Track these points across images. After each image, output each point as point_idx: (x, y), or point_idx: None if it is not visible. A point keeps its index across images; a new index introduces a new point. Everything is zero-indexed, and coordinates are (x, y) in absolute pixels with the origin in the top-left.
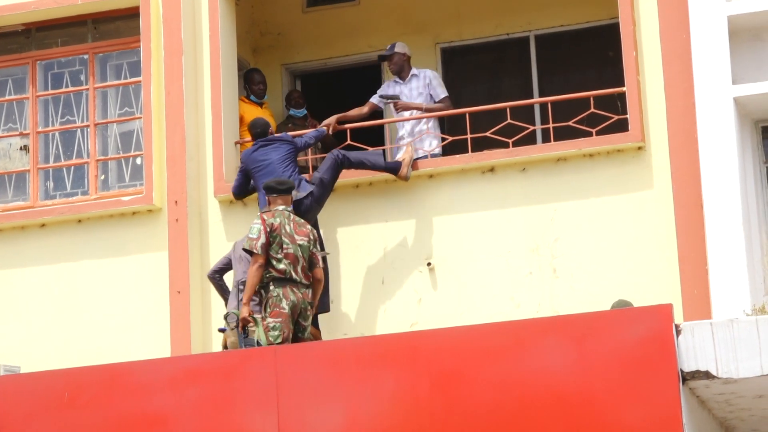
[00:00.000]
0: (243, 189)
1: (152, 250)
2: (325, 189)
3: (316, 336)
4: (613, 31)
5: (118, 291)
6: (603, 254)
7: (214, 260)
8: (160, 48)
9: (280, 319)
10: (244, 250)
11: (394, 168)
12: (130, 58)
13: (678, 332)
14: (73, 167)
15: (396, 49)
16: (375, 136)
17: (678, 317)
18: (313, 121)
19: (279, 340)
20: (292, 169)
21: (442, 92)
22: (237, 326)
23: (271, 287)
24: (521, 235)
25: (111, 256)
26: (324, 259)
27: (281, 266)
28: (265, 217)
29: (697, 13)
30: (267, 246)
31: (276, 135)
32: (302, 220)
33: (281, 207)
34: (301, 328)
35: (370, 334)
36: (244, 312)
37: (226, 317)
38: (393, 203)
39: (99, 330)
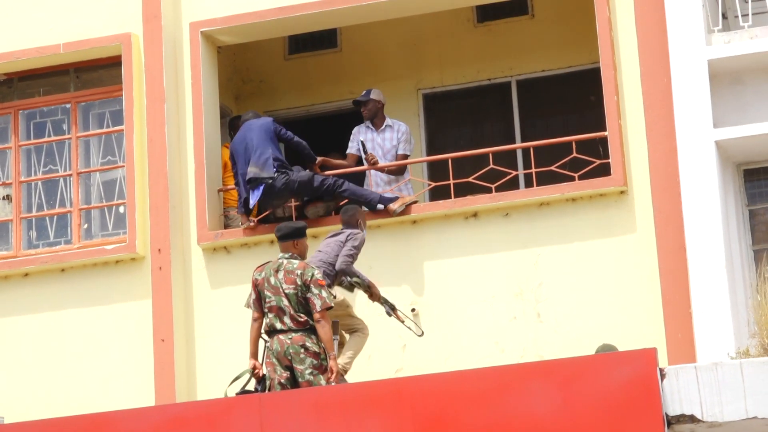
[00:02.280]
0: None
1: (136, 298)
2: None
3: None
4: (595, 76)
5: (102, 339)
6: (587, 298)
7: (198, 308)
8: (142, 96)
9: (269, 368)
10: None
11: (388, 200)
12: (113, 107)
13: (662, 376)
14: (56, 216)
15: (371, 96)
16: (355, 180)
17: (662, 361)
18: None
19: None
20: (271, 149)
21: (405, 149)
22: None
23: (268, 340)
24: (505, 279)
25: (94, 304)
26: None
27: (267, 320)
28: (254, 273)
29: (678, 57)
30: (258, 301)
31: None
32: (293, 267)
33: (279, 256)
34: (298, 372)
35: (355, 381)
36: (249, 364)
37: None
38: (377, 249)
39: (83, 379)
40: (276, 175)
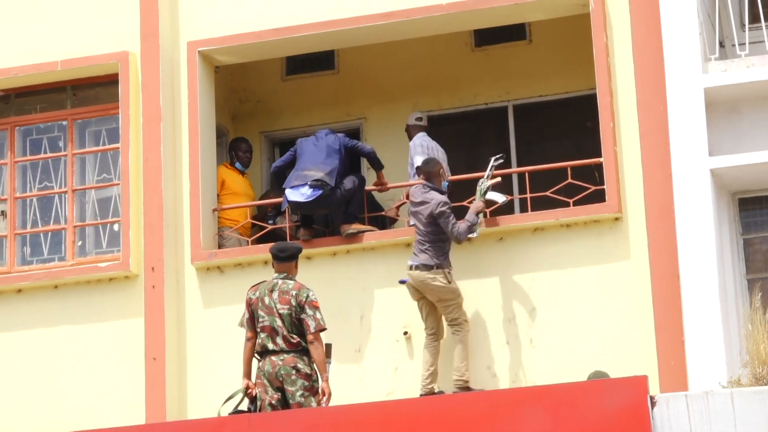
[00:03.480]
0: (282, 170)
1: (128, 316)
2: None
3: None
4: (591, 102)
5: (94, 357)
6: (580, 325)
7: (191, 327)
8: (138, 114)
9: (260, 389)
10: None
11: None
12: (109, 125)
13: (653, 404)
14: (50, 233)
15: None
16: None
17: (654, 388)
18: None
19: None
20: (332, 161)
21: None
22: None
23: (259, 360)
24: (498, 304)
25: (87, 322)
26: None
27: (260, 340)
28: (248, 292)
29: (674, 85)
30: (252, 320)
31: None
32: (288, 287)
33: (274, 276)
34: (289, 394)
35: (346, 403)
36: (242, 384)
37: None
38: (370, 271)
39: (74, 396)
40: (334, 187)
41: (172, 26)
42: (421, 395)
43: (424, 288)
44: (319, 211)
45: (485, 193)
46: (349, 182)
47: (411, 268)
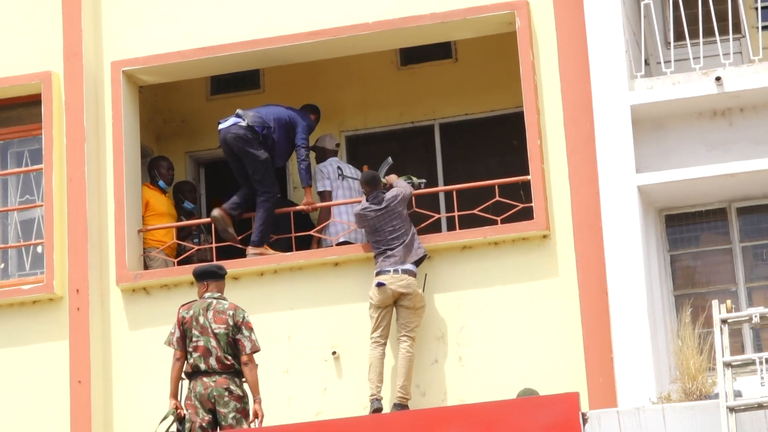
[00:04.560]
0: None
1: (53, 339)
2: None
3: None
4: (518, 120)
5: (18, 380)
6: (508, 342)
7: (116, 349)
8: (62, 135)
9: (191, 411)
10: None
11: (257, 244)
12: (32, 146)
13: (584, 420)
14: None
15: (316, 144)
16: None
17: (584, 405)
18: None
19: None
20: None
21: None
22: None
23: (184, 380)
24: (427, 323)
25: (10, 345)
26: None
27: (191, 360)
28: (181, 311)
29: (601, 102)
30: (183, 339)
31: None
32: (224, 307)
33: (207, 295)
34: (221, 416)
35: (275, 424)
36: (170, 405)
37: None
38: (298, 291)
39: None
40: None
41: (95, 46)
42: (398, 406)
43: (406, 294)
44: (234, 146)
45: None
46: (264, 150)
47: (397, 272)
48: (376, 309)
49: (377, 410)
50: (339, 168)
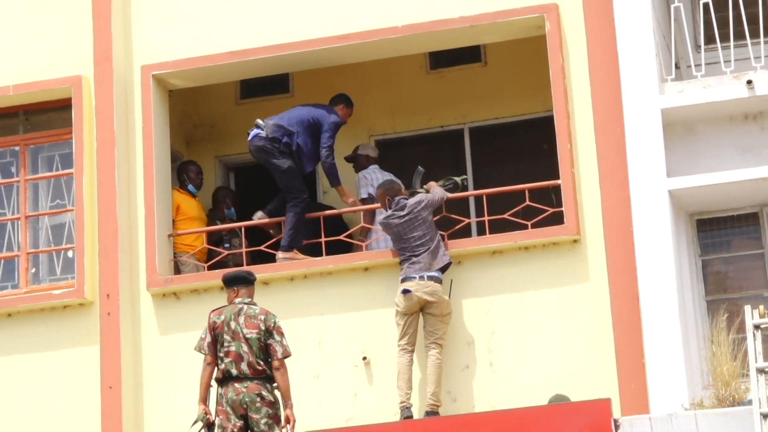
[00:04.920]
0: None
1: (83, 344)
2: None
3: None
4: (548, 124)
5: (49, 386)
6: (539, 348)
7: (147, 355)
8: (92, 139)
9: (222, 417)
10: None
11: (287, 248)
12: (63, 150)
13: (617, 427)
14: (3, 260)
15: (359, 152)
16: None
17: (615, 411)
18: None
19: None
20: (290, 120)
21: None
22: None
23: (215, 386)
24: (457, 328)
25: (41, 350)
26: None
27: (222, 366)
28: (212, 316)
29: (632, 106)
30: (214, 344)
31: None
32: (255, 312)
33: (238, 300)
34: (253, 422)
35: (305, 430)
36: (200, 410)
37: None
38: (328, 296)
39: (29, 425)
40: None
41: (125, 50)
42: (429, 413)
43: (432, 301)
44: (258, 159)
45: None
46: (287, 158)
47: (423, 278)
48: (402, 316)
49: (408, 417)
50: (380, 175)
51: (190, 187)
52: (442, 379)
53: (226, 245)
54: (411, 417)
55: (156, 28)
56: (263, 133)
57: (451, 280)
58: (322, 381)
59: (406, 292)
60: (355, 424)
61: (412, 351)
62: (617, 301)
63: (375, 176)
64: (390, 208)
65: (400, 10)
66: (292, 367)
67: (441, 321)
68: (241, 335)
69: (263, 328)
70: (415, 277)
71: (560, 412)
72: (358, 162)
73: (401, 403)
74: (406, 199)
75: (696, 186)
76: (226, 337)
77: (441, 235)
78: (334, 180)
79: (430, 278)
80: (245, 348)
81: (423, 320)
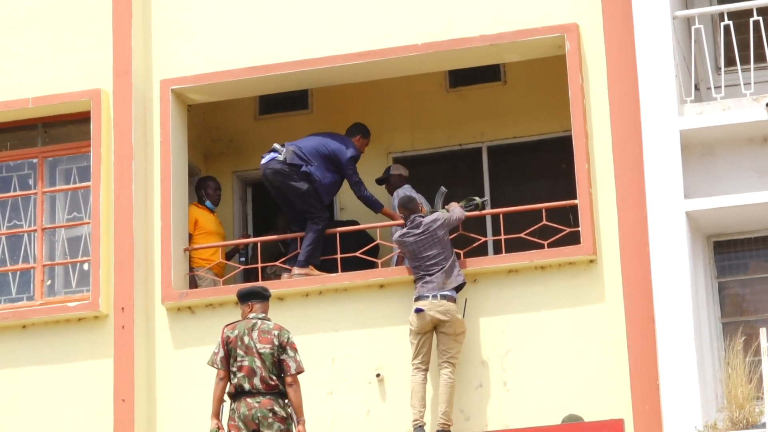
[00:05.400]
0: None
1: (98, 357)
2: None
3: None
4: (566, 144)
5: (62, 398)
6: (554, 367)
7: (161, 368)
8: (110, 153)
9: None
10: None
11: (303, 264)
12: (80, 163)
13: None
14: (19, 272)
15: (391, 171)
16: None
17: None
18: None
19: None
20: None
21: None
22: None
23: (227, 401)
24: (471, 347)
25: (55, 362)
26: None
27: (235, 380)
28: (225, 330)
29: (650, 127)
30: (227, 359)
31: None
32: (269, 327)
33: (252, 315)
34: None
35: None
36: (212, 425)
37: None
38: (342, 313)
39: None
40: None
41: (145, 64)
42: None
43: (445, 320)
44: (274, 181)
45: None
46: (305, 182)
47: (436, 297)
48: (415, 335)
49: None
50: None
51: (208, 203)
52: (454, 398)
53: (241, 259)
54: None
55: (176, 42)
56: (281, 157)
57: (466, 299)
58: (335, 397)
59: (418, 311)
60: None
61: (426, 370)
62: (632, 322)
63: (412, 195)
64: (406, 226)
65: (421, 28)
66: (306, 383)
67: (454, 340)
68: (254, 350)
69: (276, 343)
70: (428, 296)
71: None
72: (391, 182)
73: (414, 421)
74: (423, 217)
75: (713, 208)
76: (239, 351)
77: (456, 254)
78: (376, 206)
79: (444, 297)
80: (258, 363)
81: (436, 339)
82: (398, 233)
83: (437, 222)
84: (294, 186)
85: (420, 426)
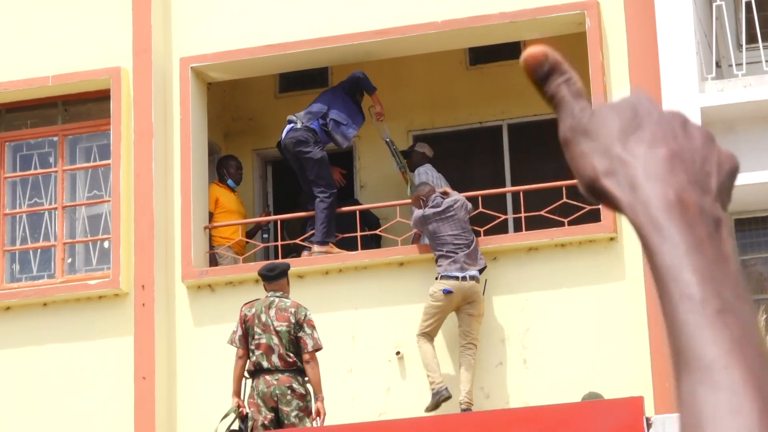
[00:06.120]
0: None
1: (118, 334)
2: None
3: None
4: None
5: (83, 376)
6: (574, 345)
7: (181, 346)
8: (130, 131)
9: (253, 409)
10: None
11: (322, 243)
12: (100, 141)
13: (649, 425)
14: (39, 250)
15: (415, 148)
16: None
17: (649, 410)
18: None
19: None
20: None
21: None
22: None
23: (247, 378)
24: (491, 325)
25: (76, 340)
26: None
27: (254, 358)
28: (243, 309)
29: (671, 104)
30: (245, 337)
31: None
32: (286, 305)
33: (270, 293)
34: (283, 414)
35: (338, 423)
36: (233, 403)
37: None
38: (362, 290)
39: (63, 415)
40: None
41: (164, 42)
42: (465, 411)
43: (472, 300)
44: (293, 150)
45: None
46: (320, 150)
47: (465, 279)
48: (435, 313)
49: (447, 399)
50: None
51: (230, 181)
52: (475, 377)
53: (265, 236)
54: (450, 397)
55: (195, 20)
56: (297, 125)
57: (486, 280)
58: (355, 375)
59: (447, 292)
60: (388, 418)
61: (433, 338)
62: (653, 300)
63: (433, 174)
64: (424, 207)
65: (440, 5)
66: (326, 361)
67: (476, 321)
68: (271, 327)
69: (293, 320)
70: (457, 277)
71: (592, 409)
72: (412, 158)
73: (440, 383)
74: (442, 197)
75: (735, 185)
76: (257, 329)
77: (475, 231)
78: (369, 86)
79: (472, 278)
80: (275, 340)
81: (458, 320)
82: (419, 212)
83: (458, 202)
84: (309, 154)
85: (445, 388)
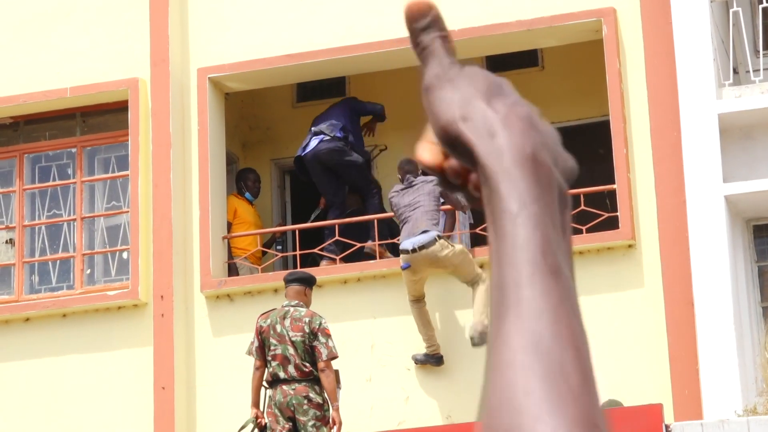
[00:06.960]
0: None
1: (137, 345)
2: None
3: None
4: (604, 129)
5: (102, 386)
6: (592, 353)
7: (200, 356)
8: (148, 142)
9: (271, 419)
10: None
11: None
12: (119, 152)
13: None
14: (58, 261)
15: None
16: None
17: (668, 417)
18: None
19: None
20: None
21: None
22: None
23: (266, 388)
24: None
25: (96, 350)
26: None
27: (271, 369)
28: (259, 320)
29: (688, 111)
30: (261, 348)
31: None
32: (300, 314)
33: (285, 303)
34: (300, 424)
35: None
36: (251, 413)
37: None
38: (381, 299)
39: (82, 425)
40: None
41: (182, 52)
42: (429, 355)
43: (437, 263)
44: (329, 161)
45: None
46: (358, 156)
47: (415, 251)
48: (407, 282)
49: (439, 360)
50: None
51: (247, 194)
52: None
53: (278, 247)
54: (442, 361)
55: (213, 30)
56: (327, 137)
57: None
58: (374, 384)
59: (405, 267)
60: (407, 427)
61: (420, 300)
62: (671, 307)
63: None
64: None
65: (458, 13)
66: (345, 370)
67: (460, 266)
68: (287, 338)
69: (307, 330)
70: (407, 250)
71: (611, 417)
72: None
73: (431, 347)
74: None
75: (753, 191)
76: (272, 340)
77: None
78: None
79: (422, 247)
80: (291, 351)
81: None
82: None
83: (429, 179)
84: (350, 161)
85: (437, 353)
